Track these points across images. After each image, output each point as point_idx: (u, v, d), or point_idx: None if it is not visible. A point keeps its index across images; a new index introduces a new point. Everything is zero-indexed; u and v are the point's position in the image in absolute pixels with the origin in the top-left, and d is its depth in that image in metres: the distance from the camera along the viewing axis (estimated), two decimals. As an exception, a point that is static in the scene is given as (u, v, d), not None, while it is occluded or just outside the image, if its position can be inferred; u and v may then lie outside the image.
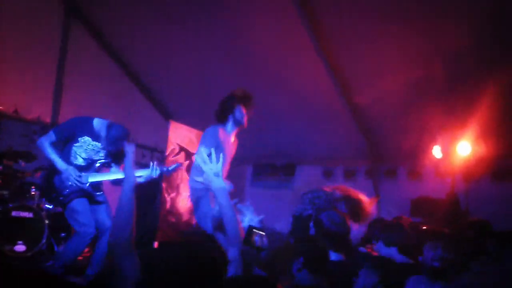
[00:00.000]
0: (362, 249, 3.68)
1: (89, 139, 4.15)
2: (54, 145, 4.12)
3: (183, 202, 7.64)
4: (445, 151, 6.30)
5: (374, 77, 6.26)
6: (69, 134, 4.16)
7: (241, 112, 4.53)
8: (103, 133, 4.14)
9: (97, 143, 4.18)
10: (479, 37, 5.21)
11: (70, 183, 4.04)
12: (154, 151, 8.21)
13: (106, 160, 4.29)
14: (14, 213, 5.20)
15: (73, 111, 6.61)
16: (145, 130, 7.88)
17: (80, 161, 4.17)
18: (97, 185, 4.27)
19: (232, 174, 8.44)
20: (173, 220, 7.43)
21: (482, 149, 5.99)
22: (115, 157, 4.31)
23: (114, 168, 4.33)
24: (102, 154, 4.26)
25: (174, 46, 6.99)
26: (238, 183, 8.89)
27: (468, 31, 5.22)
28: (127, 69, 7.80)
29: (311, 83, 6.62)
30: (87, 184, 4.14)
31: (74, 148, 4.14)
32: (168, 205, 7.43)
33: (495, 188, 6.35)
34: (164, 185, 7.23)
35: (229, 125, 4.52)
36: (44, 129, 6.67)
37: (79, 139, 4.12)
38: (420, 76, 5.83)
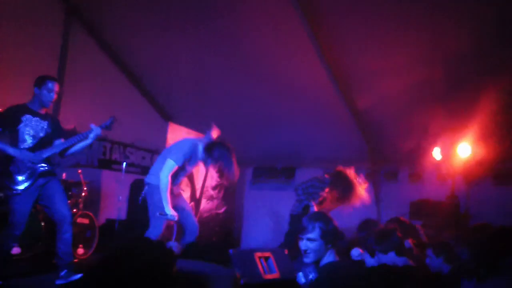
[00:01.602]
0: (355, 251, 3.62)
1: (30, 116, 4.36)
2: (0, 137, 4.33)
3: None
4: (445, 153, 6.25)
5: (375, 80, 6.24)
6: (11, 118, 4.31)
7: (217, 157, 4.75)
8: (36, 92, 4.39)
9: (37, 118, 4.40)
10: (480, 42, 5.21)
11: (28, 164, 4.25)
12: (155, 153, 8.19)
13: (49, 136, 4.47)
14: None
15: (72, 111, 6.61)
16: (144, 131, 7.87)
17: (28, 142, 4.33)
18: (49, 159, 4.46)
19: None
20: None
21: (482, 152, 5.94)
22: (55, 131, 4.52)
23: (57, 141, 4.51)
24: (44, 125, 4.44)
25: (173, 49, 6.98)
26: (238, 186, 8.89)
27: (468, 36, 5.21)
28: (127, 70, 7.79)
29: (312, 86, 6.60)
30: (42, 161, 4.34)
31: (20, 129, 4.31)
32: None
33: (496, 191, 6.29)
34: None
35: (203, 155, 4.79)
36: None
37: (22, 118, 4.32)
38: (421, 79, 5.80)
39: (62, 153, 4.53)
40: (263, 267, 3.10)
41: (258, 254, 3.16)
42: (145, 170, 7.63)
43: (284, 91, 6.94)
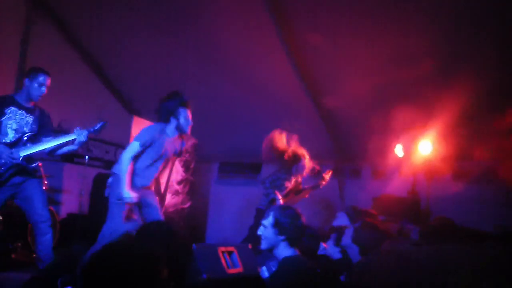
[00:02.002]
0: (321, 245, 3.68)
1: (15, 108, 4.19)
2: None
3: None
4: (407, 150, 6.39)
5: (341, 79, 6.32)
6: None
7: (186, 118, 4.49)
8: (26, 83, 4.22)
9: (23, 111, 4.22)
10: (442, 42, 5.33)
11: (2, 161, 4.05)
12: (119, 147, 8.06)
13: (33, 132, 4.28)
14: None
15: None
16: (108, 125, 7.71)
17: (10, 136, 4.15)
18: (29, 158, 4.24)
19: (198, 172, 8.44)
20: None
21: (443, 149, 6.10)
22: (41, 126, 4.35)
23: (45, 139, 4.32)
24: (30, 120, 4.25)
25: (140, 43, 6.87)
26: (204, 181, 8.85)
27: (430, 37, 5.34)
28: (91, 62, 7.62)
29: (279, 84, 6.63)
30: (20, 159, 4.13)
31: (3, 121, 4.13)
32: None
33: (455, 188, 6.47)
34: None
35: (171, 128, 4.49)
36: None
37: (6, 111, 4.14)
38: (385, 79, 5.90)
39: (51, 152, 4.30)
40: (226, 261, 3.09)
41: (222, 248, 3.15)
42: (108, 164, 7.50)
43: (252, 88, 6.95)
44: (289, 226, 2.83)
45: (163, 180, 7.11)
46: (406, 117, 5.94)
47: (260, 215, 5.77)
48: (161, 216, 4.73)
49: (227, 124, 7.88)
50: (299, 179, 6.02)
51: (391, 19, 5.34)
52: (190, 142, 7.86)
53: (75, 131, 4.18)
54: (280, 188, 5.78)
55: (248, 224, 6.14)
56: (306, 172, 5.84)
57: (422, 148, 6.18)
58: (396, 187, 6.55)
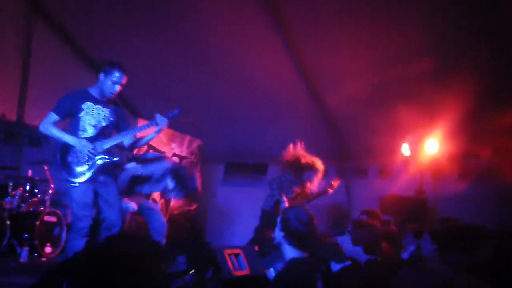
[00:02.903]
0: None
1: (91, 103, 3.98)
2: (57, 125, 3.98)
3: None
4: (413, 149, 6.35)
5: (344, 78, 6.29)
6: (70, 105, 3.97)
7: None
8: (101, 78, 4.00)
9: (99, 105, 4.02)
10: (445, 41, 5.31)
11: (85, 156, 3.88)
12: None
13: (113, 125, 4.11)
14: (-27, 214, 5.03)
15: (38, 108, 6.44)
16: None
17: (90, 132, 3.97)
18: (110, 151, 4.05)
19: (204, 173, 8.42)
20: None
21: (449, 148, 6.06)
22: (119, 120, 4.17)
23: (123, 132, 4.13)
24: (107, 114, 4.06)
25: (139, 45, 6.84)
26: (210, 182, 8.84)
27: (433, 36, 5.31)
28: (92, 66, 7.62)
29: (282, 84, 6.63)
30: (102, 152, 3.94)
31: (81, 117, 3.95)
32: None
33: (462, 187, 6.43)
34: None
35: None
36: (8, 127, 6.49)
37: (82, 106, 3.95)
38: (389, 77, 5.87)
39: (132, 146, 4.16)
40: (233, 264, 3.09)
41: (228, 251, 3.15)
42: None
43: (255, 89, 6.95)
44: (292, 223, 2.81)
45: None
46: (412, 116, 5.91)
47: (265, 216, 5.76)
48: (162, 218, 4.74)
49: (232, 125, 7.88)
50: (308, 188, 5.96)
51: (393, 17, 5.31)
52: (195, 144, 7.85)
53: (156, 117, 4.02)
54: (287, 190, 5.74)
55: (254, 225, 6.12)
56: (316, 181, 5.81)
57: (428, 147, 6.14)
58: (403, 186, 6.52)
